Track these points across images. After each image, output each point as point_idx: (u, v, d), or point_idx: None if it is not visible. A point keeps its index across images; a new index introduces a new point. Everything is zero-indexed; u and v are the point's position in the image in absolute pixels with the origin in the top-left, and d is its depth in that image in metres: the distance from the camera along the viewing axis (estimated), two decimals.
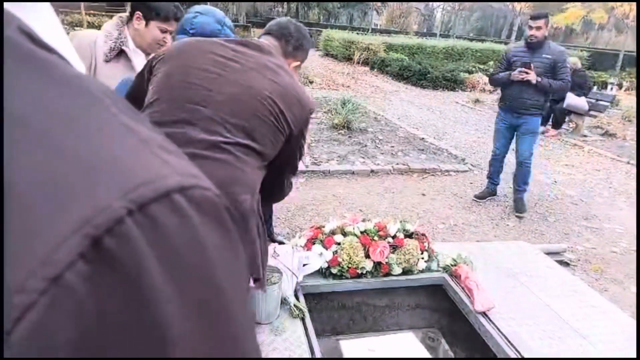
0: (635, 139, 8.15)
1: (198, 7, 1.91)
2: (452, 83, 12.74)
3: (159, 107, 1.18)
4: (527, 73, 3.95)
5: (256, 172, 1.26)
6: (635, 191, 4.73)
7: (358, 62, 15.33)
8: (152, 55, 1.38)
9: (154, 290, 0.25)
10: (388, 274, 2.58)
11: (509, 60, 4.18)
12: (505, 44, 21.28)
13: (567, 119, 8.22)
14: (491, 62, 16.30)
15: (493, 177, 4.53)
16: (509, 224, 4.09)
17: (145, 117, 0.33)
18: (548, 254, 3.24)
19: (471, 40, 24.94)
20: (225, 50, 1.25)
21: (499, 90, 4.54)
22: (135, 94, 1.37)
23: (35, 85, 0.26)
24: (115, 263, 0.23)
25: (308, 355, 1.99)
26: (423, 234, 2.80)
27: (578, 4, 24.28)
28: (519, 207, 4.33)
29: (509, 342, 2.15)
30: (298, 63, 1.45)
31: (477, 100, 10.81)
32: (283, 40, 1.39)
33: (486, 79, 12.82)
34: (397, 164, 5.33)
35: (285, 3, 34.66)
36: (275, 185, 1.38)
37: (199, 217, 0.28)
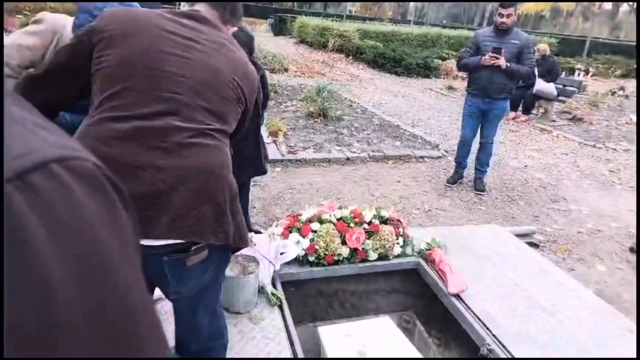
0: (598, 124, 8.43)
1: None
2: (426, 70, 12.83)
3: (130, 100, 1.12)
4: (497, 58, 4.03)
5: (229, 151, 1.30)
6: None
7: (332, 49, 15.27)
8: (85, 29, 1.21)
9: (35, 244, 0.29)
10: (364, 260, 2.62)
11: (478, 45, 4.25)
12: None
13: (536, 104, 8.42)
14: (463, 49, 16.45)
15: (461, 160, 4.65)
16: (482, 208, 4.19)
17: (17, 97, 0.36)
18: (518, 236, 3.35)
19: (444, 27, 25.11)
20: (177, 27, 1.20)
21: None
22: (60, 68, 1.23)
23: None
24: None
25: (286, 343, 2.01)
26: (398, 220, 2.84)
27: None
28: (478, 186, 4.55)
29: (480, 321, 2.23)
30: (235, 29, 1.42)
31: (450, 87, 10.95)
32: (220, 7, 1.35)
33: None
34: (373, 151, 5.36)
35: None
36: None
37: (76, 183, 0.32)
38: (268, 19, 25.38)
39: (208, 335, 1.45)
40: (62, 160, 0.32)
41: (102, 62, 1.15)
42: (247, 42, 2.56)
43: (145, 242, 1.11)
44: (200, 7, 1.32)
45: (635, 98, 9.48)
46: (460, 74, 12.68)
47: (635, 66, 14.48)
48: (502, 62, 4.03)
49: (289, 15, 25.60)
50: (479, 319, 2.25)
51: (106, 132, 1.10)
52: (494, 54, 4.03)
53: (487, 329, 2.17)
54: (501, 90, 4.18)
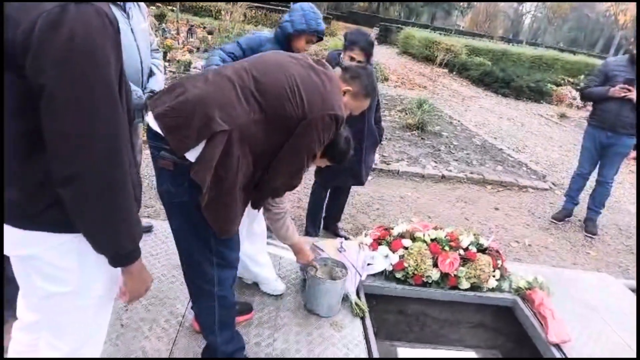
0: None
1: None
2: (537, 94, 11.98)
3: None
4: (629, 90, 3.63)
5: (249, 118, 1.40)
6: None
7: (440, 64, 14.87)
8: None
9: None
10: (455, 287, 2.47)
11: (607, 74, 3.86)
12: (601, 58, 19.67)
13: None
14: (582, 76, 15.17)
15: (573, 195, 4.24)
16: (591, 253, 3.77)
17: None
18: (634, 291, 2.95)
19: (562, 50, 23.30)
20: (296, 57, 1.60)
21: (589, 107, 4.19)
22: None
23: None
24: None
25: (365, 356, 1.95)
26: (497, 251, 2.64)
27: None
28: (590, 228, 4.12)
29: (609, 358, 1.98)
30: (350, 88, 1.70)
31: (563, 115, 10.09)
32: (344, 70, 1.74)
33: (576, 94, 11.93)
34: (472, 173, 5.10)
35: None
36: (261, 187, 1.55)
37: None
38: (374, 28, 25.48)
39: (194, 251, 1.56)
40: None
41: None
42: (366, 47, 2.54)
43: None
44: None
45: None
46: (576, 102, 11.68)
47: None
48: (633, 95, 3.62)
49: (395, 25, 25.48)
50: None
51: None
52: (626, 86, 3.64)
53: None
54: (629, 125, 3.75)
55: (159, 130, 1.36)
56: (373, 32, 24.47)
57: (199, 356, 1.78)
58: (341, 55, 2.70)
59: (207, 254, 1.52)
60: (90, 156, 0.85)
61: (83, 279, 1.02)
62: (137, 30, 2.10)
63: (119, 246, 0.96)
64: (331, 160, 1.84)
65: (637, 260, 3.25)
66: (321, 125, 1.47)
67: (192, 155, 1.34)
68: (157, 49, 2.37)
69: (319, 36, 2.33)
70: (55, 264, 0.98)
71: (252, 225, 2.11)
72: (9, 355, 1.26)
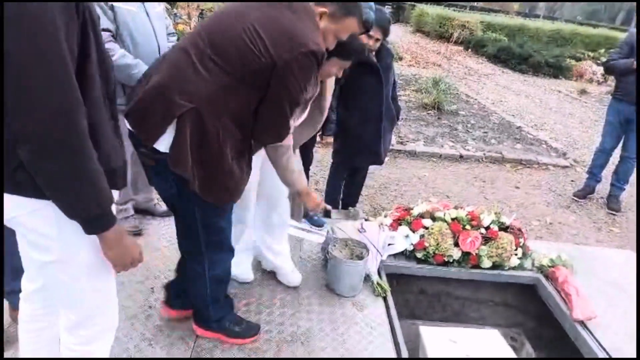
0: None
1: None
2: (555, 70, 11.65)
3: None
4: None
5: (214, 87, 1.30)
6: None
7: (455, 42, 14.55)
8: None
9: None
10: (476, 266, 2.46)
11: (632, 46, 3.73)
12: (623, 31, 19.02)
13: None
14: (602, 50, 14.70)
15: (595, 172, 4.15)
16: (614, 230, 3.70)
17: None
18: None
19: (580, 24, 22.56)
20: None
21: (610, 81, 4.07)
22: None
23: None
24: None
25: (389, 336, 1.96)
26: (519, 229, 2.61)
27: None
28: (612, 205, 4.04)
29: (610, 357, 1.96)
30: (324, 10, 1.43)
31: (583, 91, 9.82)
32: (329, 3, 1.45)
33: (596, 68, 11.59)
34: (490, 151, 5.02)
35: None
36: (256, 129, 1.45)
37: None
38: (386, 6, 24.97)
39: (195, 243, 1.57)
40: None
41: None
42: (384, 25, 2.49)
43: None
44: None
45: None
46: (597, 77, 11.36)
47: None
48: None
49: (407, 2, 24.94)
50: (607, 353, 1.99)
51: None
52: None
53: None
54: None
55: (129, 128, 1.35)
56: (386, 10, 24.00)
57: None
58: None
59: (197, 244, 1.55)
60: (41, 115, 0.86)
61: (65, 247, 1.02)
62: (152, 14, 2.09)
63: (84, 210, 0.95)
64: (342, 56, 1.65)
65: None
66: (297, 68, 1.30)
67: (162, 145, 1.30)
68: (173, 33, 2.36)
69: (365, 26, 2.22)
70: (38, 230, 1.00)
71: (271, 217, 2.10)
72: (19, 327, 1.28)
